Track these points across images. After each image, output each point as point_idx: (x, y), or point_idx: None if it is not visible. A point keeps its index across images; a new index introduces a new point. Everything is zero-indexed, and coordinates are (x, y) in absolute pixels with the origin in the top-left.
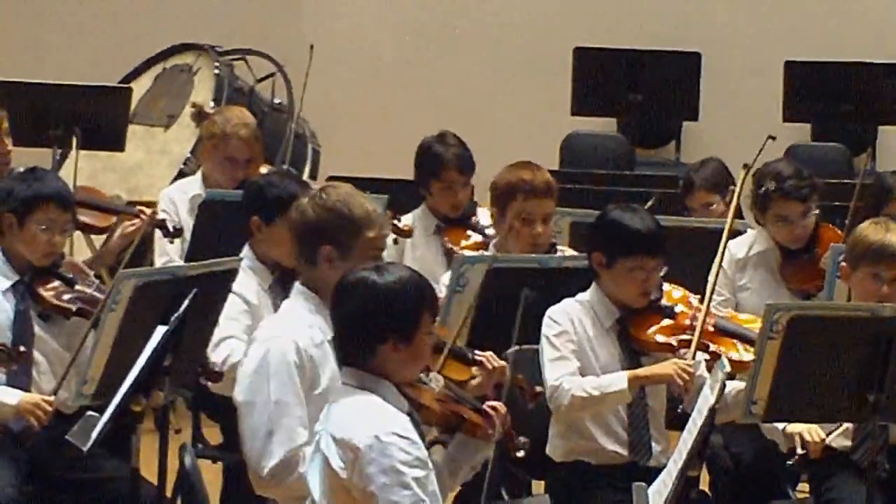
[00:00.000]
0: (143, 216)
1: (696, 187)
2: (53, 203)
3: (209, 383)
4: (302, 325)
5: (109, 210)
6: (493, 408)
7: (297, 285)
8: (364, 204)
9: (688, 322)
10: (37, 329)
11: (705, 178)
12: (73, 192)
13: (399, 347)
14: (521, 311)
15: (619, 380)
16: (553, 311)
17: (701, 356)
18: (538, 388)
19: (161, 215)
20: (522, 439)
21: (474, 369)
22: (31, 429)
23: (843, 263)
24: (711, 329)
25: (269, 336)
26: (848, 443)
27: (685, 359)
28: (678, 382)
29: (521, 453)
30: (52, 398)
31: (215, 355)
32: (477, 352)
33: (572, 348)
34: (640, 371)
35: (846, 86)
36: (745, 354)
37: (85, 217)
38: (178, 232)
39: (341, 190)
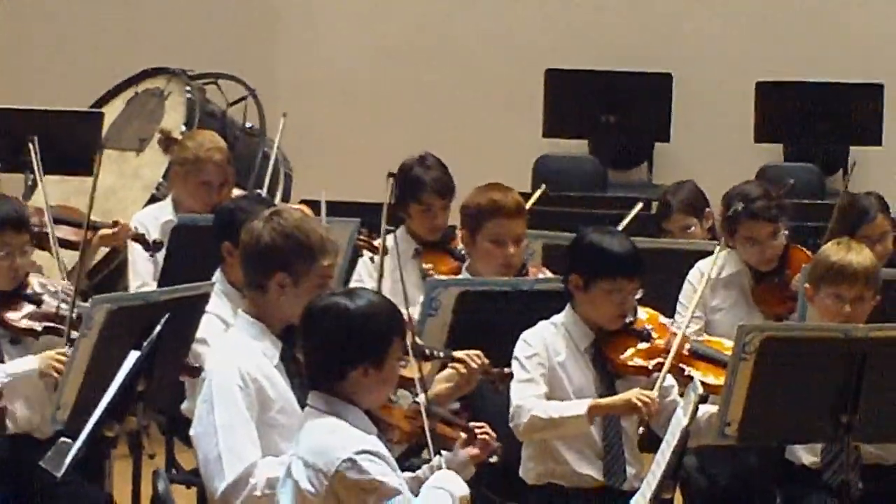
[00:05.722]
0: (120, 224)
1: (674, 210)
2: (7, 228)
3: (183, 403)
4: (246, 352)
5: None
6: (485, 431)
7: (239, 313)
8: (318, 231)
9: (662, 345)
10: (6, 358)
11: (682, 200)
12: (47, 209)
13: (369, 372)
14: None
15: (579, 406)
16: (527, 334)
17: (672, 380)
18: (507, 370)
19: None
20: (496, 444)
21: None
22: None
23: (807, 285)
24: (686, 353)
25: (212, 367)
26: (816, 460)
27: (657, 382)
28: (639, 408)
29: (494, 459)
30: (64, 349)
31: None
32: (455, 353)
33: (542, 371)
34: (602, 400)
35: (818, 106)
36: (719, 378)
37: (62, 233)
38: (158, 245)
39: (296, 215)
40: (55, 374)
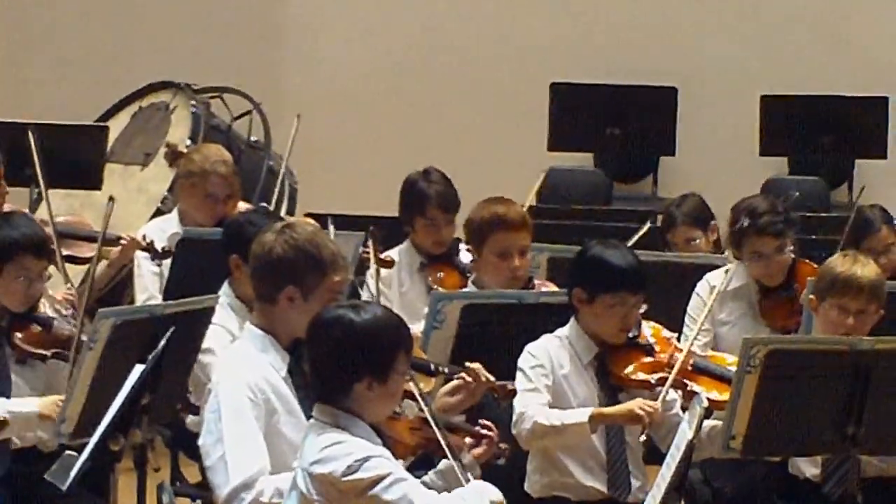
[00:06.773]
0: (124, 241)
1: (678, 223)
2: (29, 253)
3: (188, 417)
4: (253, 364)
5: (92, 239)
6: (487, 427)
7: (248, 325)
8: (330, 246)
9: (666, 359)
10: (14, 377)
11: (687, 213)
12: (53, 223)
13: (373, 386)
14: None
15: (582, 414)
16: (531, 347)
17: (675, 394)
18: (510, 386)
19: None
20: (503, 446)
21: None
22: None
23: (811, 295)
24: (690, 368)
25: (219, 379)
26: (817, 471)
27: (660, 396)
28: (641, 417)
29: (501, 461)
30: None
31: None
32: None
33: (546, 382)
34: (605, 409)
35: (823, 119)
36: (722, 394)
37: (68, 250)
38: (166, 253)
39: (308, 229)
40: (56, 419)
